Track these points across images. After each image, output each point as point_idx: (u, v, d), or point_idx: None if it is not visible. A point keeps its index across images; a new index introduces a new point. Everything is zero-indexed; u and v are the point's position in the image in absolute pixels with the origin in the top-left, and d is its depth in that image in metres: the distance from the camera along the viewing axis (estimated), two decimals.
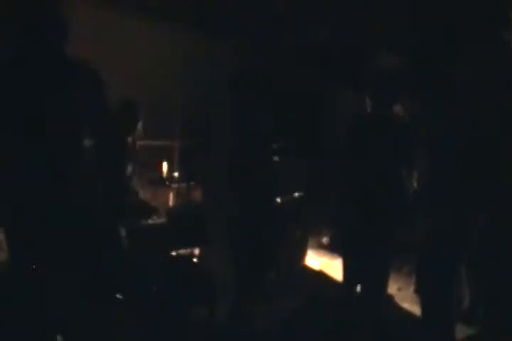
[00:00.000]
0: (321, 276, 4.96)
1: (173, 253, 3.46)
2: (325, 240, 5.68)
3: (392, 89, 3.52)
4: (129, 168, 3.64)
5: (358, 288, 3.80)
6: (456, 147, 3.37)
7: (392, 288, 4.63)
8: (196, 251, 3.81)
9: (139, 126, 3.49)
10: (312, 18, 4.63)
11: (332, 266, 5.08)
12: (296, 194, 4.67)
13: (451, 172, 3.42)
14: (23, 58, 2.19)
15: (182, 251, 3.54)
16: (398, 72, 3.74)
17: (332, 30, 4.75)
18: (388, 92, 3.51)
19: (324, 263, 5.26)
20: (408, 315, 4.29)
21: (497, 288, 3.70)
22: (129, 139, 3.55)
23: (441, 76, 3.64)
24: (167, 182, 3.98)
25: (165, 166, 4.09)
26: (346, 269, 3.82)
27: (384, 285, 3.74)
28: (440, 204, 3.48)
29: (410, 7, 4.34)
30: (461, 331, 3.71)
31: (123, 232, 2.96)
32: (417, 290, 4.57)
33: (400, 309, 4.38)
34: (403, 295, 4.63)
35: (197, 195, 3.92)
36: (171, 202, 4.17)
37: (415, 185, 3.72)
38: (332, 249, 5.48)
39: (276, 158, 3.65)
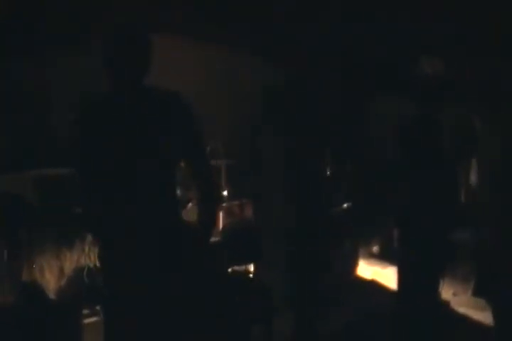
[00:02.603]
0: (373, 286, 4.97)
1: (229, 270, 3.54)
2: (375, 249, 5.68)
3: (438, 93, 3.52)
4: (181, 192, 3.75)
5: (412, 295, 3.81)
6: None
7: (448, 294, 4.62)
8: (251, 267, 3.89)
9: None
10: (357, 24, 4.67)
11: (384, 275, 5.09)
12: (345, 204, 4.71)
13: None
14: (118, 95, 2.27)
15: (237, 268, 3.62)
16: (444, 76, 3.75)
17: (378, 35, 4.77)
18: (435, 96, 3.51)
19: (376, 272, 5.27)
20: (465, 319, 4.27)
21: None
22: None
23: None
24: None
25: None
26: (402, 276, 3.83)
27: (439, 290, 3.74)
28: (500, 206, 3.48)
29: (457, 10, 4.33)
30: None
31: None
32: (475, 294, 4.56)
33: (457, 314, 4.36)
34: (459, 300, 4.61)
35: (248, 211, 4.02)
36: (222, 221, 4.27)
37: (473, 186, 3.74)
38: (383, 257, 5.49)
39: (325, 170, 3.72)
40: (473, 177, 3.73)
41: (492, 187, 3.59)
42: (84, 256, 3.66)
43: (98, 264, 2.46)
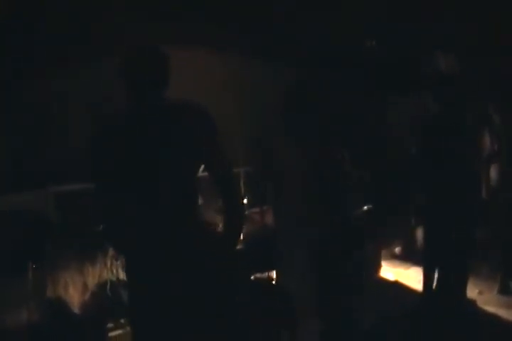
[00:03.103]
0: (397, 287, 4.93)
1: (252, 277, 3.54)
2: (397, 250, 5.64)
3: (451, 89, 3.50)
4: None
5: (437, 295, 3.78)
6: None
7: (473, 292, 4.57)
8: (274, 274, 3.88)
9: None
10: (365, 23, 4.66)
11: (407, 276, 5.05)
12: (366, 207, 4.68)
13: None
14: (140, 109, 2.29)
15: (260, 275, 3.61)
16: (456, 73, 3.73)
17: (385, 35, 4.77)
18: (448, 92, 3.49)
19: (399, 273, 5.23)
20: (493, 318, 4.22)
21: None
22: None
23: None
24: None
25: None
26: (427, 276, 3.80)
27: (465, 288, 3.71)
28: None
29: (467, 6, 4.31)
30: None
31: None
32: (501, 292, 4.52)
33: (484, 313, 4.31)
34: (485, 298, 4.56)
35: (269, 218, 4.01)
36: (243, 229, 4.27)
37: (495, 184, 3.71)
38: (405, 258, 5.45)
39: (346, 172, 3.70)
40: (495, 175, 3.69)
41: None
42: (107, 270, 3.67)
43: (124, 278, 2.45)
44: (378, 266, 5.04)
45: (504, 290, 4.48)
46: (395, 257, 5.61)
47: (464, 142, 3.45)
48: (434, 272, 3.85)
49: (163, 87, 2.28)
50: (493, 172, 3.77)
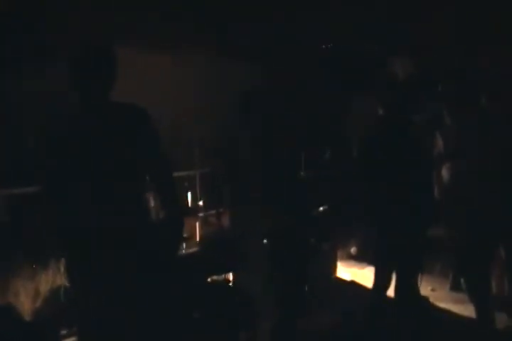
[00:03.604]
0: (353, 287, 5.00)
1: (209, 280, 3.52)
2: (353, 250, 5.71)
3: (404, 96, 3.57)
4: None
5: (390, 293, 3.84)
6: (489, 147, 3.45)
7: (426, 290, 4.67)
8: (230, 276, 3.87)
9: None
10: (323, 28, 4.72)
11: (362, 276, 5.12)
12: (322, 207, 4.73)
13: (488, 172, 3.49)
14: (84, 110, 2.28)
15: (217, 278, 3.59)
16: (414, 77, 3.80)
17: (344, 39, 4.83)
18: (400, 99, 3.56)
19: (355, 273, 5.30)
20: (445, 314, 4.32)
21: None
22: None
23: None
24: (194, 212, 4.09)
25: (189, 196, 4.19)
26: (378, 275, 3.85)
27: (417, 286, 3.77)
28: (474, 202, 3.54)
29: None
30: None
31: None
32: (452, 288, 4.63)
33: (437, 309, 4.40)
34: (438, 295, 4.66)
35: (225, 220, 4.00)
36: (199, 231, 4.25)
37: (446, 183, 3.79)
38: (361, 258, 5.53)
39: (302, 173, 3.73)
40: (447, 175, 3.78)
41: (466, 185, 3.64)
42: (60, 275, 3.59)
43: (67, 278, 2.41)
44: (334, 267, 5.09)
45: (455, 287, 4.60)
46: (350, 257, 5.69)
47: (414, 143, 3.53)
48: (387, 271, 3.89)
49: (107, 87, 2.27)
50: (445, 173, 3.85)
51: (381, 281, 3.78)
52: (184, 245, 3.88)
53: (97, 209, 2.23)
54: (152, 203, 3.31)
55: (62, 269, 3.59)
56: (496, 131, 3.54)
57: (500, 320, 3.82)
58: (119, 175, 2.24)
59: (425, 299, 4.35)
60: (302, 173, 3.79)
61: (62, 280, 3.58)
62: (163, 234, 2.43)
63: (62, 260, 3.56)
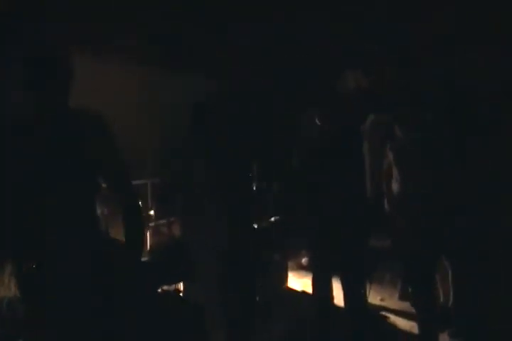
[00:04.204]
0: (304, 297, 5.02)
1: (159, 290, 3.48)
2: (304, 261, 5.75)
3: (361, 105, 3.64)
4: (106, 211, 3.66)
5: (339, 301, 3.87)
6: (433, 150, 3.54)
7: (376, 299, 4.74)
8: (181, 287, 3.84)
9: None
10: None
11: None
12: (273, 218, 4.76)
13: (431, 183, 3.57)
14: (38, 114, 2.21)
15: (167, 288, 3.56)
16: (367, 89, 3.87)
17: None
18: (357, 108, 3.62)
19: (306, 283, 5.32)
20: (393, 324, 4.39)
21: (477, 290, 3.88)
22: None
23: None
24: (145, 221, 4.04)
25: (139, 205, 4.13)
26: (318, 286, 3.88)
27: (365, 296, 3.82)
28: (425, 213, 3.62)
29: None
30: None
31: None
32: (401, 298, 4.71)
33: (385, 319, 4.47)
34: (387, 304, 4.73)
35: (176, 230, 3.97)
36: (150, 240, 4.20)
37: (394, 194, 3.86)
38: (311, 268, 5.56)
39: (253, 184, 3.73)
40: (395, 185, 3.85)
41: (411, 194, 3.72)
42: (4, 287, 3.48)
43: (18, 292, 2.34)
44: (285, 277, 5.11)
45: (404, 297, 4.67)
46: (301, 268, 5.72)
47: (352, 154, 3.59)
48: (326, 282, 3.90)
49: (62, 90, 2.22)
50: (395, 186, 3.92)
51: (323, 292, 3.81)
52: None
53: (51, 219, 2.17)
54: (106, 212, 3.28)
55: (6, 281, 3.49)
56: (438, 143, 3.63)
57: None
58: (73, 183, 2.19)
59: (374, 309, 4.45)
60: (254, 184, 3.80)
61: (6, 292, 3.47)
62: (126, 242, 2.39)
63: (7, 271, 3.48)
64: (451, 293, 4.09)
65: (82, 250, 2.22)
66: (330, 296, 3.77)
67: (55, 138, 2.17)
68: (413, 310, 3.99)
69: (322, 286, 3.77)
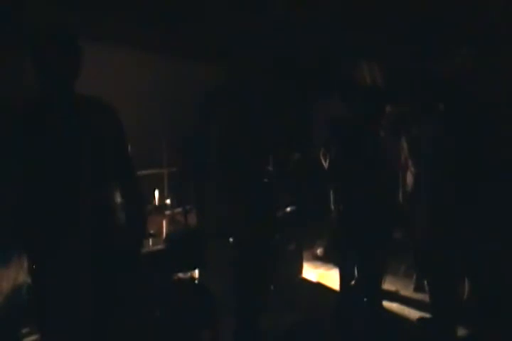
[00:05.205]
0: (319, 288, 5.02)
1: (174, 277, 3.51)
2: (319, 251, 5.74)
3: (375, 97, 3.63)
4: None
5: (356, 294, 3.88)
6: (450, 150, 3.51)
7: (391, 290, 4.73)
8: (196, 274, 3.87)
9: None
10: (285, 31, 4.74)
11: (329, 277, 5.16)
12: (289, 208, 4.76)
13: (449, 174, 3.54)
14: (47, 101, 2.24)
15: (182, 275, 3.59)
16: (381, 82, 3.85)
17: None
18: (372, 100, 3.61)
19: (321, 274, 5.33)
20: (408, 315, 4.38)
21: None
22: None
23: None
24: (161, 210, 4.08)
25: (156, 194, 4.18)
26: (344, 275, 3.90)
27: (380, 287, 3.83)
28: (438, 204, 3.60)
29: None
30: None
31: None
32: (417, 289, 4.70)
33: (400, 310, 4.46)
34: (402, 296, 4.73)
35: (192, 218, 4.00)
36: (166, 228, 4.24)
37: (409, 186, 3.85)
38: (327, 259, 5.56)
39: (268, 172, 3.74)
40: (411, 180, 3.84)
41: (423, 189, 3.70)
42: (23, 272, 3.53)
43: (30, 276, 2.38)
44: (300, 267, 5.12)
45: (419, 288, 4.66)
46: (317, 258, 5.72)
47: (379, 145, 3.58)
48: (353, 272, 3.95)
49: (71, 76, 2.24)
50: (409, 178, 3.91)
51: (347, 281, 3.83)
52: (151, 242, 3.87)
53: (62, 207, 2.20)
54: (118, 200, 3.30)
55: (24, 266, 3.54)
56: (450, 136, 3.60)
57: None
58: (83, 172, 2.21)
59: (389, 299, 4.44)
60: (270, 172, 3.80)
61: (24, 277, 3.53)
62: (127, 231, 2.42)
63: (25, 256, 3.54)
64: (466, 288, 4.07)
65: (93, 237, 2.24)
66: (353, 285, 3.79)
67: (64, 125, 2.20)
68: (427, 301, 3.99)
69: (348, 276, 3.79)
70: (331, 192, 3.82)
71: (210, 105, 3.60)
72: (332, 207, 3.81)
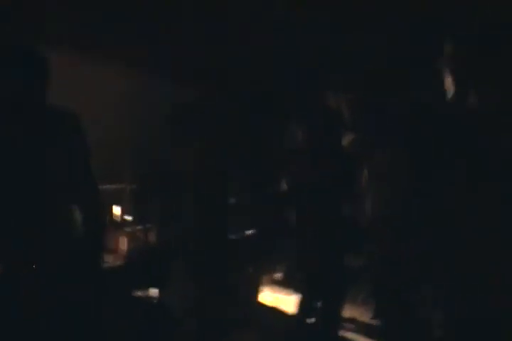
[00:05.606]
0: (275, 312, 4.98)
1: (133, 295, 3.44)
2: (278, 276, 5.71)
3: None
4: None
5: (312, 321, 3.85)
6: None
7: (348, 317, 4.71)
8: (155, 293, 3.79)
9: None
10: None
11: (286, 302, 5.11)
12: (249, 231, 4.74)
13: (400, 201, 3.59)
14: (9, 105, 2.20)
15: (141, 293, 3.52)
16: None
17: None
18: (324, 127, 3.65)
19: (278, 299, 5.28)
20: None
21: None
22: None
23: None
24: (121, 226, 4.00)
25: (117, 210, 4.10)
26: (304, 302, 3.87)
27: (340, 315, 3.81)
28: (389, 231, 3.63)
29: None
30: None
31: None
32: (375, 317, 4.70)
33: (356, 339, 4.44)
34: (358, 324, 4.71)
35: (152, 236, 3.93)
36: (126, 246, 4.15)
37: (367, 212, 3.88)
38: (286, 284, 5.53)
39: (229, 196, 3.73)
40: (368, 205, 3.88)
41: (382, 214, 3.74)
42: None
43: None
44: (258, 291, 5.06)
45: (377, 316, 4.66)
46: (276, 283, 5.68)
47: (339, 170, 3.61)
48: (311, 299, 3.92)
49: (38, 88, 2.22)
50: (368, 203, 3.95)
51: (305, 308, 3.80)
52: (110, 259, 3.78)
53: (21, 217, 2.17)
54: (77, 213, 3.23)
55: None
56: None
57: None
58: (44, 183, 2.19)
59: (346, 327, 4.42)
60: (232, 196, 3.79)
61: None
62: (84, 243, 2.37)
63: None
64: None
65: (53, 250, 2.21)
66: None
67: (29, 132, 2.17)
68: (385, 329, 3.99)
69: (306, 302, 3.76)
70: (294, 216, 3.81)
71: (177, 117, 3.58)
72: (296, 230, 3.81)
